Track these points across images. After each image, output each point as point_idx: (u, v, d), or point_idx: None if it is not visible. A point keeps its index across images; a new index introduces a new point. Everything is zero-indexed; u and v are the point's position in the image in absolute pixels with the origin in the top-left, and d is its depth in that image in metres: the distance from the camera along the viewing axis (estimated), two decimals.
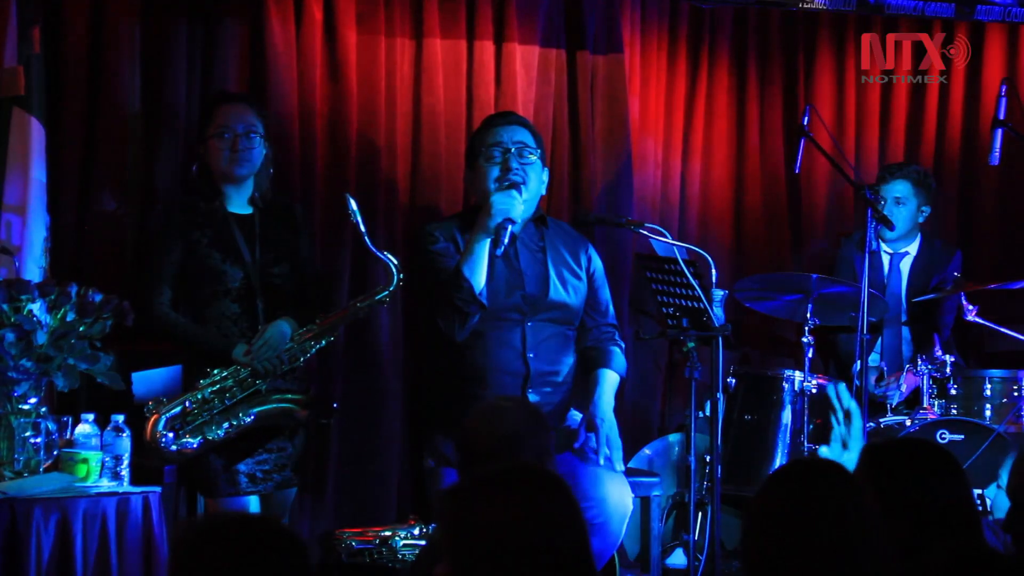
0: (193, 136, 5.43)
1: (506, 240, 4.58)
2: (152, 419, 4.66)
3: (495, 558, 2.47)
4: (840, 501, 2.57)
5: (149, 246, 5.12)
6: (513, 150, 4.70)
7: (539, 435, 3.69)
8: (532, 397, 4.70)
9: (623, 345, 5.06)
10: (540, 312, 4.75)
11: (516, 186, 4.69)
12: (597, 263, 5.00)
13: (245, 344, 4.82)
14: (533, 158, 4.71)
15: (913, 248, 6.55)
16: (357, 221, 4.87)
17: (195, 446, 4.70)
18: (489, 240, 4.59)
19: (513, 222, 4.58)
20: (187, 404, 4.72)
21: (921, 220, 6.52)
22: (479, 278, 4.57)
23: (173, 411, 4.69)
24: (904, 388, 6.19)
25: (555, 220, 5.08)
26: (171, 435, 4.67)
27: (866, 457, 3.15)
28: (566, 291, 4.82)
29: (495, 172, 4.68)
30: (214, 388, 4.76)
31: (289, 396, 4.89)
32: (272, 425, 4.86)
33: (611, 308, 5.07)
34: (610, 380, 4.98)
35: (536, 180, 4.74)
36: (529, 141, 4.75)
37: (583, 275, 4.90)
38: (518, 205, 4.61)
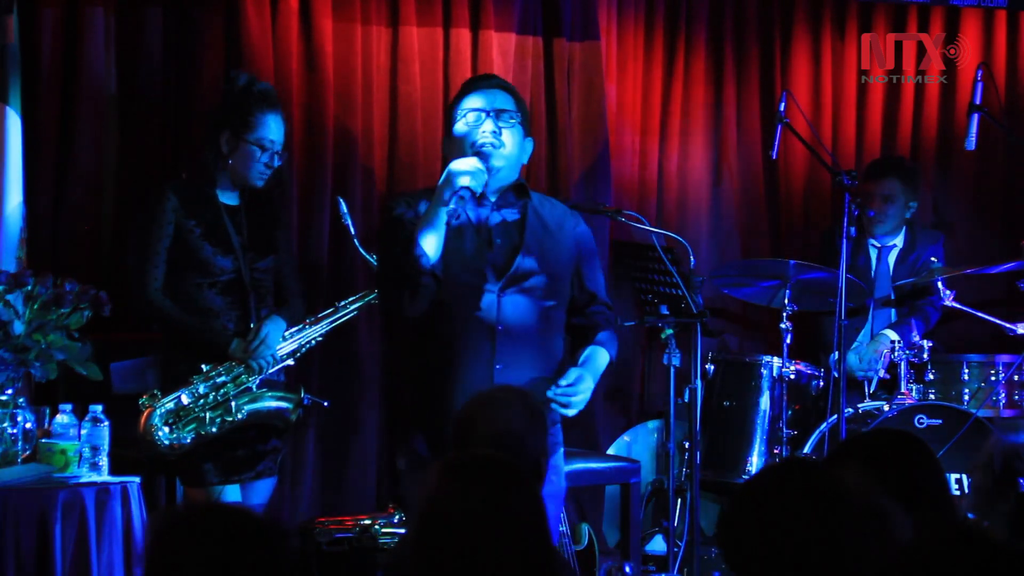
0: (169, 124, 5.41)
1: (458, 209, 4.26)
2: (146, 412, 4.63)
3: (457, 547, 2.49)
4: (821, 502, 2.58)
5: (140, 226, 4.91)
6: (492, 114, 4.42)
7: (538, 434, 3.59)
8: (499, 374, 4.24)
9: (618, 327, 4.62)
10: (512, 283, 4.31)
11: (481, 155, 4.24)
12: (587, 237, 4.53)
13: (241, 340, 4.81)
14: (513, 121, 4.34)
15: (899, 240, 6.54)
16: (348, 224, 4.86)
17: (188, 441, 4.67)
18: (446, 209, 4.19)
19: (470, 191, 4.26)
20: (182, 399, 4.69)
21: (908, 215, 6.52)
22: (433, 248, 4.20)
23: (167, 406, 4.66)
24: (883, 372, 6.19)
25: (542, 194, 4.63)
26: (165, 429, 4.64)
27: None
28: (540, 259, 4.36)
29: (471, 137, 4.39)
30: (208, 383, 4.73)
31: (281, 395, 4.88)
32: (262, 423, 4.85)
33: (603, 288, 4.57)
34: (600, 357, 4.46)
35: (515, 145, 4.36)
36: (509, 105, 4.38)
37: (569, 245, 4.45)
38: (480, 174, 4.33)
